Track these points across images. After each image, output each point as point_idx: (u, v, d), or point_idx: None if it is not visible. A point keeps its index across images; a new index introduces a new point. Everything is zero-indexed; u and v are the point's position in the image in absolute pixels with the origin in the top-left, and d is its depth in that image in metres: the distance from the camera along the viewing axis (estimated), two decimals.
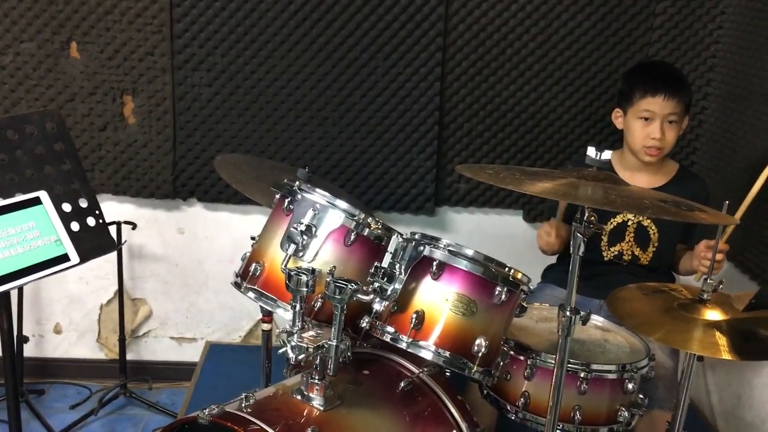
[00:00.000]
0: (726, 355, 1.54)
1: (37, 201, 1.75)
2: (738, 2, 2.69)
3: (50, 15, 2.61)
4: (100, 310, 3.00)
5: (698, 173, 2.63)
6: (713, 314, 1.65)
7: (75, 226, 1.81)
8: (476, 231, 2.97)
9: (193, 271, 2.98)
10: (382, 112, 2.78)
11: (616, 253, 2.35)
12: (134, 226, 2.73)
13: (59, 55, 2.66)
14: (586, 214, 1.47)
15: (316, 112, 2.77)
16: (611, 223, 2.34)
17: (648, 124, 2.24)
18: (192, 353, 3.03)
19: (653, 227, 2.32)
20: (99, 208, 1.89)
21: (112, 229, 2.60)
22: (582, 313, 1.55)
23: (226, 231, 2.92)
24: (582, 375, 1.78)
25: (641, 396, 1.87)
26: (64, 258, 1.77)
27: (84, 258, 1.81)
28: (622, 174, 2.34)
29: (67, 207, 1.82)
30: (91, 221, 1.86)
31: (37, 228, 1.73)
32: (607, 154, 1.52)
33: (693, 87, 2.78)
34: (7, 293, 1.77)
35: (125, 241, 2.71)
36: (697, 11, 2.75)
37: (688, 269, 2.34)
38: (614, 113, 2.38)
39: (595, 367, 1.80)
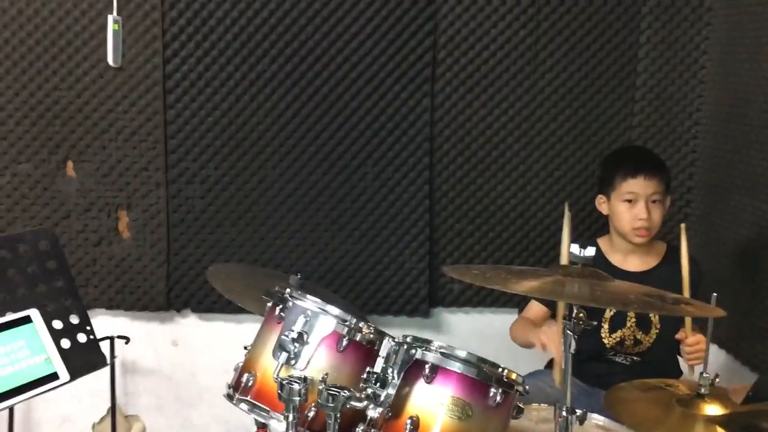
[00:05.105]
0: None
1: (27, 320, 1.76)
2: (712, 99, 2.78)
3: (47, 136, 2.69)
4: (93, 430, 2.92)
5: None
6: (713, 409, 1.63)
7: (66, 343, 1.81)
8: (473, 331, 2.94)
9: (187, 384, 2.93)
10: (373, 216, 2.82)
11: (618, 339, 2.32)
12: (127, 340, 2.70)
13: (55, 174, 2.72)
14: (575, 311, 1.47)
15: (308, 218, 2.81)
16: (610, 310, 2.30)
17: (633, 206, 2.27)
18: None
19: None
20: (90, 324, 1.88)
21: (105, 345, 2.58)
22: (578, 412, 1.53)
23: (221, 341, 2.89)
24: None
25: None
26: (54, 377, 1.75)
27: (74, 375, 1.79)
28: (612, 258, 2.36)
29: (57, 324, 1.82)
30: (81, 338, 1.85)
31: (27, 347, 1.73)
32: (590, 251, 1.54)
33: (676, 180, 2.84)
34: None
35: (116, 357, 2.65)
36: (674, 109, 2.82)
37: None
38: (597, 200, 2.42)
39: None
